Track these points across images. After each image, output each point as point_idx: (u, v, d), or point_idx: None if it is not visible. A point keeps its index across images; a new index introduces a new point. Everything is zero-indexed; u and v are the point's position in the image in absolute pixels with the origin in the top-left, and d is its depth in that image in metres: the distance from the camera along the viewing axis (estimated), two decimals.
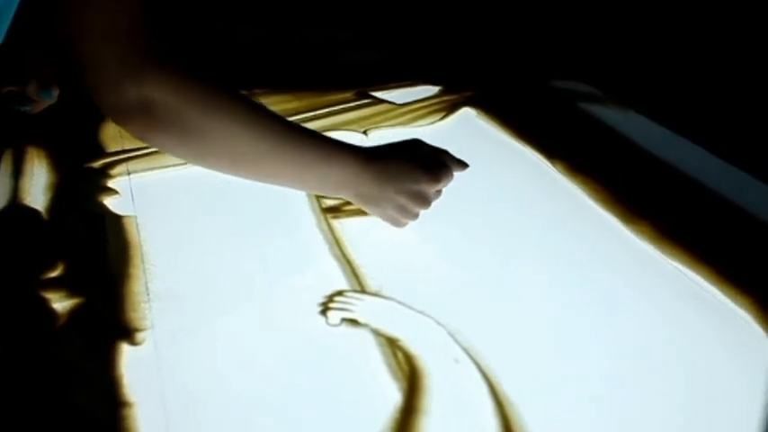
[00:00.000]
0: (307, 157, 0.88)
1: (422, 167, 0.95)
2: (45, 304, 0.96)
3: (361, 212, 1.13)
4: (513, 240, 1.14)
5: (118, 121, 0.78)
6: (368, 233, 1.12)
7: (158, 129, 0.80)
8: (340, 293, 1.00)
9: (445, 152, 1.00)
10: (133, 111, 0.77)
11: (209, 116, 0.82)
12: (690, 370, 0.90)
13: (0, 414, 0.80)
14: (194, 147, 0.83)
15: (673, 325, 0.97)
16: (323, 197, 1.20)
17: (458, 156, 1.17)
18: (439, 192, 0.98)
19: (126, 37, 0.75)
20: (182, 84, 0.79)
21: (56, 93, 1.18)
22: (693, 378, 0.89)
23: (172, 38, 0.84)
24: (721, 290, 1.03)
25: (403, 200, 0.94)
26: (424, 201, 0.96)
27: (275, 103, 1.59)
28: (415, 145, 0.99)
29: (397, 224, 0.98)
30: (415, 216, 0.97)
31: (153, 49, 0.77)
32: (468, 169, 1.04)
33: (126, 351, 0.89)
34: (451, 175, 0.97)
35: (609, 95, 1.56)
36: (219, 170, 0.92)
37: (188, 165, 1.20)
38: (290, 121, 0.88)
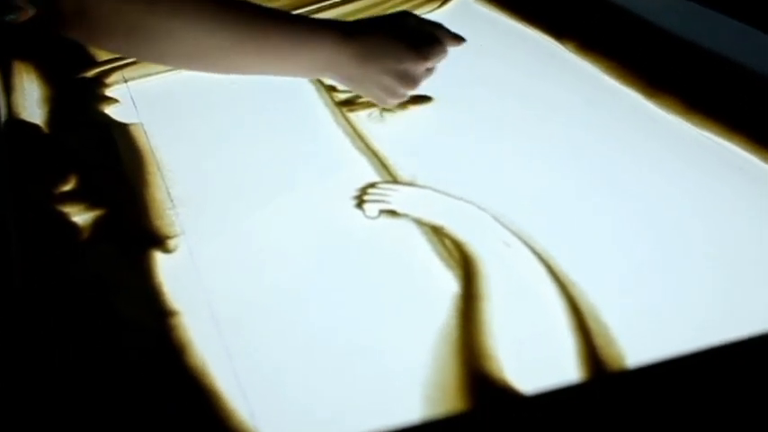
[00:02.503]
0: (275, 44, 0.83)
1: (407, 44, 0.89)
2: (65, 218, 0.90)
3: (373, 104, 1.09)
4: (534, 122, 1.10)
5: (61, 31, 0.73)
6: (386, 123, 1.08)
7: (103, 34, 0.75)
8: (372, 186, 0.96)
9: (439, 26, 0.94)
10: (72, 19, 0.72)
11: (153, 16, 0.76)
12: (739, 235, 0.87)
13: (43, 331, 0.75)
14: (146, 49, 0.78)
15: (716, 194, 0.94)
16: (334, 91, 1.15)
17: (465, 43, 1.13)
18: (429, 70, 0.92)
19: None
20: None
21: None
22: (743, 242, 0.86)
23: None
24: (761, 157, 1.00)
25: (388, 80, 0.89)
26: (411, 81, 0.90)
27: (268, 1, 1.51)
28: (403, 18, 0.92)
29: (384, 103, 0.93)
30: (403, 96, 0.91)
31: None
32: (464, 44, 0.99)
33: (160, 259, 0.84)
34: (444, 51, 0.91)
35: None
36: (182, 68, 0.86)
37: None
38: (255, 5, 0.82)
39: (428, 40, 0.94)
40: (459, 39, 0.99)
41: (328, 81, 1.02)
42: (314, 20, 0.92)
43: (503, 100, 1.17)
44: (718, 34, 1.24)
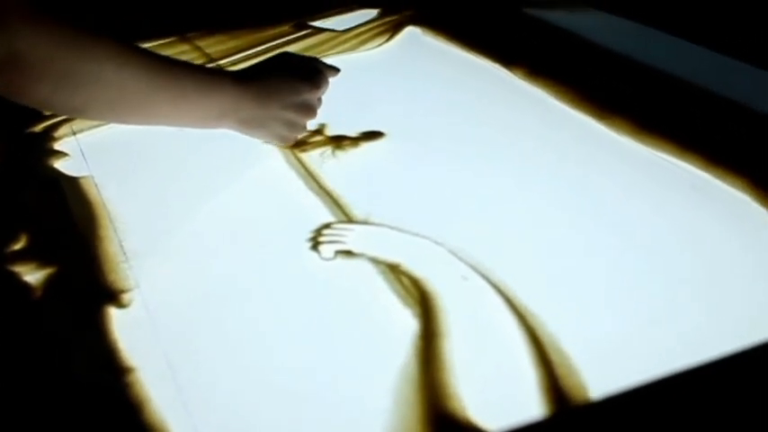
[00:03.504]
0: (187, 90, 0.85)
1: (299, 78, 0.93)
2: (16, 278, 0.89)
3: (327, 142, 1.09)
4: (488, 150, 1.11)
5: None
6: (339, 161, 1.08)
7: (32, 81, 0.75)
8: (327, 226, 0.95)
9: (315, 59, 0.98)
10: (1, 65, 0.72)
11: (84, 62, 0.77)
12: (696, 254, 0.88)
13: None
14: (72, 96, 0.79)
15: (671, 213, 0.95)
16: None
17: (414, 73, 1.14)
18: (320, 100, 0.95)
19: None
20: (53, 32, 0.75)
21: None
22: (701, 262, 0.87)
23: None
24: (714, 175, 1.00)
25: (289, 114, 0.92)
26: (310, 110, 0.94)
27: (212, 45, 1.51)
28: (286, 58, 0.96)
29: (287, 140, 0.95)
30: (304, 128, 0.94)
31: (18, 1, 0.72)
32: (339, 74, 1.01)
33: (115, 315, 0.83)
34: (327, 81, 0.95)
35: None
36: (101, 118, 0.87)
37: None
38: (165, 57, 0.84)
39: (314, 71, 0.97)
40: (335, 69, 1.01)
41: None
42: (210, 68, 0.94)
43: (454, 129, 1.17)
44: (667, 54, 1.25)
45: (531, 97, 1.25)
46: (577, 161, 1.06)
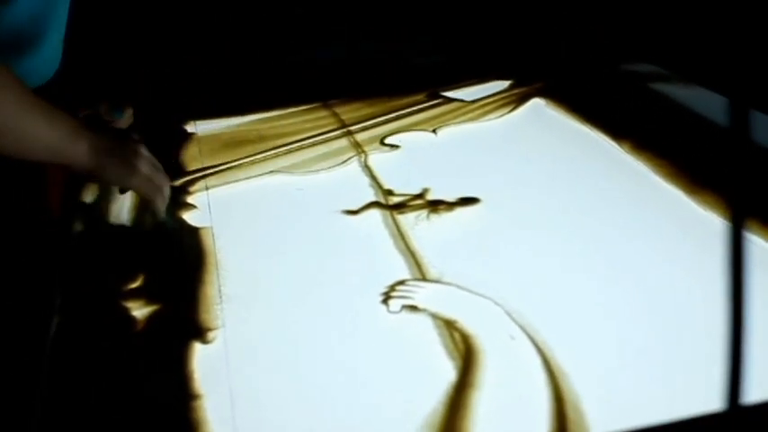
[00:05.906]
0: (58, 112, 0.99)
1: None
2: (126, 312, 1.02)
3: (425, 206, 1.18)
4: (574, 222, 1.16)
5: None
6: (431, 223, 1.16)
7: None
8: (401, 283, 1.03)
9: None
10: None
11: None
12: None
13: (83, 403, 0.86)
14: None
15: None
16: (390, 195, 1.24)
17: (526, 143, 1.21)
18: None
19: None
20: None
21: (128, 112, 1.26)
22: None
23: None
24: None
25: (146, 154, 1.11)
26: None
27: (349, 112, 1.63)
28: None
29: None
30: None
31: None
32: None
33: (198, 349, 0.94)
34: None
35: (676, 74, 1.55)
36: None
37: (259, 176, 1.27)
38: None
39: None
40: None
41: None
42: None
43: (549, 199, 1.23)
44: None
45: (630, 170, 1.29)
46: (659, 237, 1.10)
